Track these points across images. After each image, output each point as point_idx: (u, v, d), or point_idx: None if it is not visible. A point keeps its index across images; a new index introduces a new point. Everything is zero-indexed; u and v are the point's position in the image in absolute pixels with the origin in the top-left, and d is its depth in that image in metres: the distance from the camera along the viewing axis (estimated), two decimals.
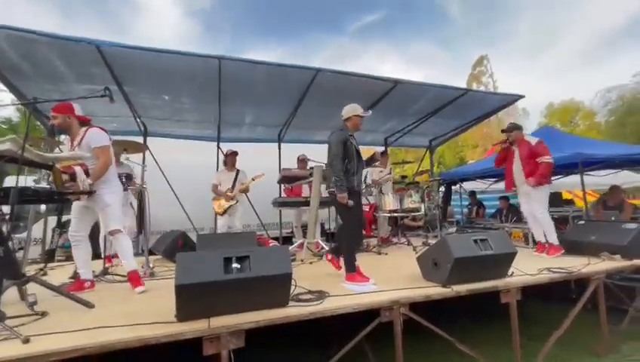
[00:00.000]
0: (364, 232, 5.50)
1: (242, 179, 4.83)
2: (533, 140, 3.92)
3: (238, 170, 4.89)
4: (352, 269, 2.67)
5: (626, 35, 36.00)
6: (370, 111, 3.05)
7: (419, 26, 56.79)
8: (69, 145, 2.65)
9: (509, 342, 2.47)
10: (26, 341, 1.54)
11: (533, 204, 3.83)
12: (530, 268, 2.89)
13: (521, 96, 5.88)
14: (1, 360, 1.40)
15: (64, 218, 4.90)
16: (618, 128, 19.61)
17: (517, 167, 3.95)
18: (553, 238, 3.74)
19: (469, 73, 25.22)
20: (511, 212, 6.88)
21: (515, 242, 4.17)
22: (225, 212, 4.68)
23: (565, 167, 5.75)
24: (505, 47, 44.10)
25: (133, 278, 2.62)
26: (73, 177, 2.36)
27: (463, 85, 20.64)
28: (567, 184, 7.90)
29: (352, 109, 2.99)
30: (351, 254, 2.73)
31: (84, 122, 2.70)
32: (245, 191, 4.83)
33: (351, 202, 2.74)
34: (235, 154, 4.95)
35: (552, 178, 8.16)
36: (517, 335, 2.42)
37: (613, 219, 4.96)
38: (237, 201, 4.72)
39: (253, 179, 4.78)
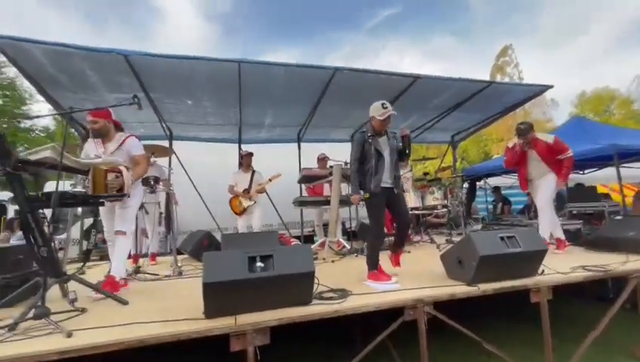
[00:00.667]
0: (385, 230, 5.46)
1: (258, 180, 4.90)
2: (549, 138, 3.76)
3: (254, 171, 4.97)
4: (373, 268, 2.67)
5: None
6: (390, 109, 2.78)
7: (437, 19, 55.24)
8: (98, 147, 2.74)
9: (539, 344, 2.37)
10: (69, 335, 1.65)
11: (543, 197, 3.70)
12: (562, 266, 2.76)
13: (550, 87, 5.61)
14: (47, 352, 1.51)
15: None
16: None
17: (532, 168, 3.82)
18: (559, 233, 3.70)
19: (492, 64, 24.31)
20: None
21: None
22: (243, 212, 4.78)
23: (599, 159, 5.46)
24: (530, 35, 41.99)
25: (110, 283, 2.54)
26: (119, 176, 2.49)
27: (486, 77, 19.95)
28: (602, 177, 7.49)
29: (371, 110, 2.84)
30: (374, 253, 2.73)
31: (118, 126, 2.86)
32: (262, 191, 4.90)
33: (357, 198, 2.78)
34: (250, 155, 5.03)
35: (585, 171, 7.78)
36: (549, 336, 2.33)
37: None
38: (254, 202, 4.80)
39: (270, 180, 4.84)
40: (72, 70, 3.99)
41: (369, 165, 2.78)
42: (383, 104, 2.78)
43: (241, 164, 5.10)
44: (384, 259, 2.83)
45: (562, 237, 3.66)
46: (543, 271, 2.60)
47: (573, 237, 4.21)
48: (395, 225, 3.14)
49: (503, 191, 8.44)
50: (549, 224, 3.66)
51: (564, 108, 24.61)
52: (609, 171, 6.19)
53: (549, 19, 39.95)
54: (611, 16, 37.04)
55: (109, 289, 2.49)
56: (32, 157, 2.04)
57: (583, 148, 5.36)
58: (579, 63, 38.81)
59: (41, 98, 4.69)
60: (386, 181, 2.76)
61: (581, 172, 7.72)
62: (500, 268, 2.39)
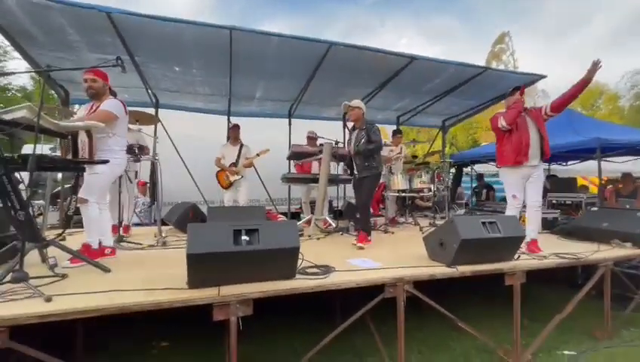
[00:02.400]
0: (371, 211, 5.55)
1: (246, 154, 4.83)
2: (533, 106, 3.36)
3: (242, 144, 4.89)
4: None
5: None
6: (345, 103, 3.62)
7: (438, 0, 53.79)
8: (87, 111, 2.64)
9: (509, 323, 2.51)
10: (49, 299, 1.63)
11: (538, 186, 3.19)
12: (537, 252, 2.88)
13: (543, 76, 5.61)
14: (26, 316, 1.50)
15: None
16: None
17: (534, 137, 3.14)
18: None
19: (488, 50, 24.14)
20: None
21: (524, 226, 4.15)
22: (229, 186, 4.73)
23: (582, 152, 5.60)
24: (529, 24, 41.61)
25: (85, 252, 2.49)
26: (75, 138, 2.35)
27: (482, 62, 19.81)
28: (583, 170, 7.72)
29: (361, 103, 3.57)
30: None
31: (112, 92, 2.73)
32: (249, 166, 4.85)
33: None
34: (236, 127, 4.93)
35: (569, 163, 8.00)
36: (518, 316, 2.46)
37: (627, 207, 4.86)
38: (241, 176, 4.75)
39: (258, 155, 4.77)
40: (50, 26, 3.72)
41: None
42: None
43: (229, 137, 4.99)
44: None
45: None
46: (519, 256, 2.71)
47: (550, 226, 4.38)
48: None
49: (487, 179, 8.64)
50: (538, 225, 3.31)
51: (553, 99, 24.86)
52: (591, 164, 6.38)
53: (550, 9, 39.54)
54: (607, 11, 36.95)
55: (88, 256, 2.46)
56: (7, 117, 1.92)
57: (568, 140, 5.48)
58: (572, 56, 38.90)
59: (16, 55, 4.40)
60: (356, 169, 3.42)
61: (564, 163, 7.94)
62: (480, 251, 2.47)
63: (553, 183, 6.54)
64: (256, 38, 4.14)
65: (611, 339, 2.76)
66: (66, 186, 4.65)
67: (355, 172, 3.59)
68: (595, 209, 4.12)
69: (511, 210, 3.26)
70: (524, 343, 2.48)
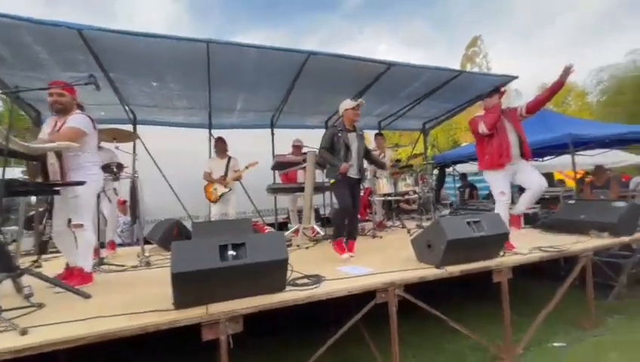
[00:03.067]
0: (359, 216, 5.56)
1: (234, 166, 4.79)
2: (513, 106, 3.44)
3: (229, 157, 4.84)
4: (337, 237, 3.14)
5: (622, 13, 35.65)
6: (361, 99, 3.31)
7: (414, 6, 55.60)
8: (53, 128, 2.50)
9: (500, 319, 2.55)
10: (24, 332, 1.54)
11: (533, 171, 3.30)
12: (521, 247, 2.96)
13: (515, 77, 5.84)
14: None
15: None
16: (609, 108, 19.72)
17: (513, 138, 3.24)
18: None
19: (462, 54, 24.98)
20: None
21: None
22: (218, 199, 4.66)
23: (556, 148, 5.82)
24: (499, 27, 43.54)
25: (78, 276, 2.45)
26: (44, 160, 2.26)
27: (458, 66, 20.47)
28: (558, 164, 8.02)
29: (343, 105, 3.32)
30: (339, 225, 3.19)
31: (81, 108, 2.63)
32: (238, 178, 4.81)
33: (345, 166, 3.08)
34: (220, 140, 4.89)
35: (545, 158, 8.30)
36: (508, 312, 2.50)
37: (602, 198, 5.07)
38: (230, 189, 4.69)
39: (246, 167, 4.74)
40: (17, 44, 3.58)
41: (338, 157, 3.16)
42: (352, 98, 3.30)
43: (216, 151, 4.94)
44: (358, 244, 2.87)
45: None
46: (505, 253, 2.77)
47: (531, 220, 4.51)
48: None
49: (469, 178, 8.84)
50: None
51: (527, 98, 25.74)
52: (565, 159, 6.63)
53: (519, 10, 41.46)
54: (574, 10, 39.08)
55: (78, 282, 2.37)
56: None
57: (542, 137, 5.69)
58: (543, 55, 40.76)
59: None
60: (352, 172, 3.16)
61: (540, 159, 8.23)
62: (467, 251, 2.51)
63: None
64: (234, 50, 4.13)
65: (597, 328, 2.83)
66: (40, 210, 4.44)
67: (354, 174, 3.23)
68: (572, 202, 4.28)
69: (500, 206, 3.33)
70: (515, 339, 2.52)
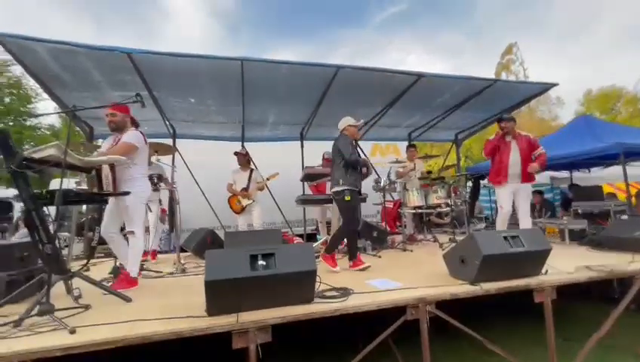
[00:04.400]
0: (388, 229, 5.45)
1: (256, 178, 4.93)
2: (530, 135, 3.99)
3: (252, 169, 5.00)
4: (354, 257, 3.17)
5: None
6: (363, 120, 3.50)
7: (444, 16, 54.89)
8: (110, 145, 2.78)
9: (542, 343, 2.36)
10: (73, 331, 1.67)
11: (527, 201, 3.90)
12: (566, 265, 2.74)
13: (555, 84, 5.54)
14: (51, 348, 1.53)
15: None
16: None
17: (514, 160, 3.85)
18: None
19: (497, 62, 24.12)
20: (545, 206, 6.55)
21: (549, 238, 3.97)
22: (242, 211, 4.80)
23: (605, 158, 5.39)
24: (536, 33, 41.51)
25: (121, 279, 2.65)
26: (99, 172, 2.49)
27: (491, 75, 19.79)
28: (607, 176, 7.42)
29: (345, 121, 3.40)
30: (353, 243, 3.23)
31: (135, 123, 2.89)
32: (261, 189, 4.93)
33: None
34: (241, 154, 5.06)
35: (593, 169, 7.72)
36: (552, 335, 2.31)
37: None
38: (253, 201, 4.81)
39: (268, 179, 4.87)
40: (76, 68, 4.01)
41: (350, 168, 3.21)
42: (353, 117, 3.42)
43: (239, 163, 5.13)
44: (389, 256, 2.81)
45: None
46: (547, 270, 2.58)
47: (578, 237, 4.18)
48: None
49: None
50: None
51: (570, 106, 24.35)
52: (615, 170, 6.12)
53: (557, 15, 39.49)
54: (619, 13, 36.50)
55: (124, 285, 2.57)
56: (36, 155, 2.04)
57: (588, 147, 5.31)
58: (586, 61, 38.36)
59: (46, 96, 4.72)
60: (358, 186, 3.25)
61: (587, 170, 7.65)
62: (503, 267, 2.37)
63: (576, 192, 6.29)
64: (267, 66, 4.31)
65: None
66: (89, 218, 4.83)
67: (360, 187, 3.36)
68: (626, 217, 3.92)
69: (499, 217, 3.98)
70: None
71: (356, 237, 3.29)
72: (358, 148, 3.49)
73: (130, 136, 2.74)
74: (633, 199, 5.62)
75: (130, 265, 2.72)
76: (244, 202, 4.78)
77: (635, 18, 33.99)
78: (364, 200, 5.33)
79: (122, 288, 2.51)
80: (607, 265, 2.71)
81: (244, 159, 5.03)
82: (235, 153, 5.09)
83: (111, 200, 2.73)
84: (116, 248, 2.82)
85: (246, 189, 4.82)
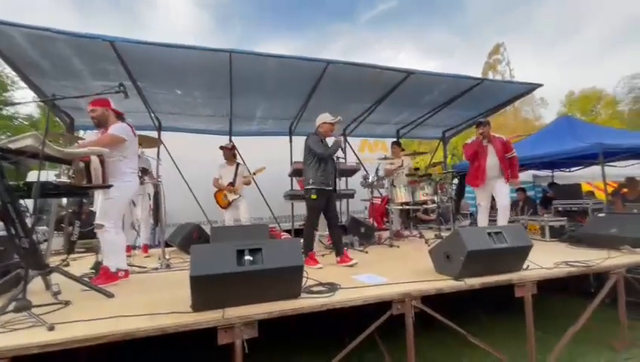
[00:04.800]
0: (375, 225, 5.50)
1: (243, 173, 4.88)
2: (503, 137, 4.27)
3: (238, 164, 4.94)
4: (308, 252, 3.16)
5: None
6: (340, 117, 3.44)
7: (434, 14, 55.13)
8: (95, 138, 2.68)
9: (522, 336, 2.43)
10: (51, 328, 1.61)
11: (506, 197, 4.17)
12: (546, 261, 2.83)
13: (539, 85, 5.68)
14: (28, 346, 1.48)
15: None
16: None
17: (491, 163, 4.11)
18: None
19: (484, 61, 24.53)
20: (527, 204, 6.73)
21: (531, 235, 4.09)
22: (228, 205, 4.75)
23: (585, 158, 5.57)
24: (523, 34, 42.41)
25: (103, 275, 2.55)
26: (88, 165, 2.39)
27: (479, 74, 20.10)
28: (587, 175, 7.67)
29: (321, 118, 3.42)
30: (309, 241, 3.23)
31: (119, 115, 2.77)
32: (247, 184, 4.89)
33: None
34: (226, 148, 4.98)
35: (573, 169, 7.96)
36: (532, 328, 2.39)
37: (635, 211, 4.78)
38: (239, 195, 4.77)
39: (254, 173, 4.82)
40: (56, 56, 3.85)
41: (322, 166, 3.23)
42: (330, 114, 3.42)
43: (225, 158, 5.06)
44: (375, 252, 2.84)
45: None
46: (528, 266, 2.65)
47: (558, 234, 4.32)
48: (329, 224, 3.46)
49: None
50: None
51: (553, 107, 24.95)
52: (594, 169, 6.33)
53: (544, 17, 40.39)
54: (602, 17, 37.66)
55: (102, 281, 2.48)
56: (13, 146, 1.96)
57: (569, 147, 5.47)
58: (569, 63, 39.43)
59: (23, 85, 4.53)
60: (330, 183, 3.27)
61: (567, 170, 7.89)
62: (487, 263, 2.43)
63: (556, 190, 6.49)
64: (255, 59, 4.25)
65: (630, 350, 2.65)
66: (69, 211, 4.68)
67: (330, 186, 3.32)
68: (603, 215, 4.07)
69: (481, 213, 4.36)
70: (540, 357, 2.40)
71: (313, 233, 3.36)
72: (347, 145, 3.50)
73: (117, 128, 2.64)
74: (612, 198, 5.84)
75: (105, 259, 2.63)
76: (231, 197, 4.72)
77: (613, 26, 35.16)
78: (351, 195, 5.36)
79: (101, 283, 2.43)
80: (585, 261, 2.81)
81: (229, 153, 4.95)
82: (221, 147, 5.00)
83: (99, 193, 2.63)
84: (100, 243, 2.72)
85: (232, 184, 4.75)
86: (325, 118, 3.40)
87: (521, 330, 2.47)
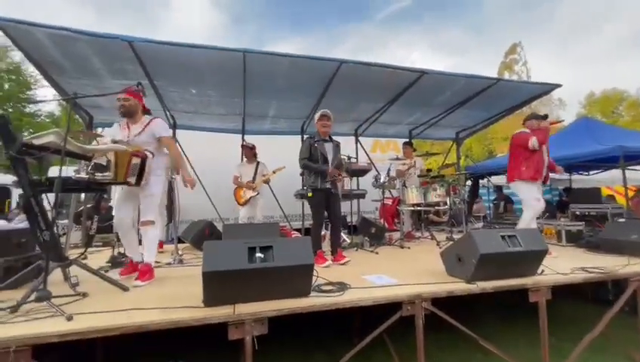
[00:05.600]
0: (386, 225, 5.47)
1: (263, 171, 4.95)
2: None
3: (258, 162, 5.00)
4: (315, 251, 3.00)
5: None
6: (326, 110, 3.43)
7: (448, 13, 54.42)
8: (122, 130, 2.70)
9: (536, 342, 2.38)
10: (70, 318, 1.67)
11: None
12: (562, 266, 2.76)
13: (558, 85, 5.52)
14: (48, 334, 1.54)
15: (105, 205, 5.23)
16: None
17: (547, 161, 3.78)
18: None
19: (500, 61, 24.02)
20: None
21: (546, 239, 3.99)
22: (246, 203, 4.82)
23: (604, 161, 5.41)
24: (540, 33, 41.36)
25: (145, 271, 2.57)
26: (144, 161, 2.50)
27: (494, 74, 19.70)
28: (606, 179, 7.44)
29: (316, 116, 3.42)
30: (315, 239, 3.11)
31: (147, 111, 2.85)
32: (266, 182, 4.95)
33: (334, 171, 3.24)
34: (246, 147, 5.06)
35: (592, 172, 7.74)
36: (545, 335, 2.33)
37: None
38: (257, 193, 4.83)
39: (274, 172, 4.90)
40: (77, 55, 3.97)
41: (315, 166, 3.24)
42: (321, 110, 3.42)
43: (245, 156, 5.13)
44: (386, 253, 2.82)
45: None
46: (543, 270, 2.59)
47: (575, 239, 4.20)
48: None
49: (505, 191, 8.41)
50: None
51: (571, 108, 24.25)
52: (615, 173, 6.13)
53: (562, 16, 39.25)
54: (623, 16, 36.30)
55: (149, 277, 2.55)
56: (36, 142, 2.03)
57: (588, 149, 5.31)
58: (589, 63, 38.23)
59: (46, 83, 4.70)
60: (326, 183, 3.25)
61: (586, 173, 7.67)
62: (500, 266, 2.38)
63: (574, 194, 6.31)
64: (269, 59, 4.28)
65: None
66: (88, 206, 4.82)
67: (329, 186, 3.30)
68: (623, 220, 3.93)
69: (536, 211, 3.70)
70: None
71: (319, 231, 3.38)
72: (331, 144, 3.44)
73: (163, 126, 2.78)
74: (630, 202, 5.64)
75: (149, 255, 2.66)
76: (249, 194, 4.80)
77: (636, 25, 33.83)
78: (362, 195, 5.33)
79: (148, 279, 2.51)
80: (603, 267, 2.73)
81: (250, 152, 5.04)
82: (243, 146, 5.10)
83: (127, 189, 2.65)
84: (125, 239, 2.77)
85: (252, 182, 4.84)
86: (316, 116, 3.45)
87: (534, 336, 2.41)
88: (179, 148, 2.80)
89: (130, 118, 2.73)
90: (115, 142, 2.45)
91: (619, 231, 3.55)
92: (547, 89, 5.74)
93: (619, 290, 2.77)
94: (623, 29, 37.31)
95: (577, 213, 5.39)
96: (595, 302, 3.28)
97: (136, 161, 2.46)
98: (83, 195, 5.02)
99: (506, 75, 22.17)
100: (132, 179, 2.46)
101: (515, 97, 5.94)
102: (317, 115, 3.43)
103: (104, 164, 2.29)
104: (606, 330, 2.50)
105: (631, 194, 6.09)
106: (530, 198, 3.67)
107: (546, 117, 3.82)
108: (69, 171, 2.62)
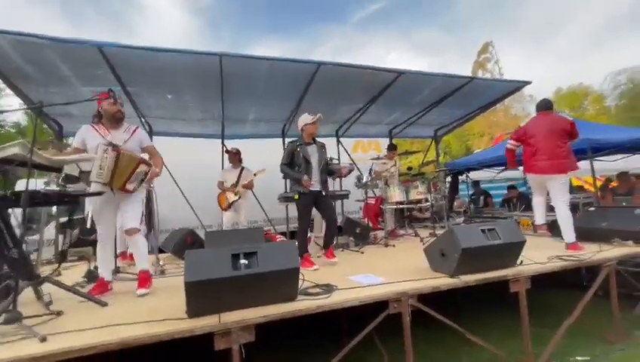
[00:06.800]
0: (370, 225, 5.51)
1: (246, 176, 4.89)
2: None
3: (242, 167, 4.94)
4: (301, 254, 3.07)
5: (638, 16, 34.78)
6: (320, 114, 3.35)
7: (423, 13, 55.81)
8: (102, 132, 2.55)
9: (518, 331, 2.46)
10: (43, 339, 1.58)
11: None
12: (539, 256, 2.87)
13: (528, 82, 5.76)
14: (19, 359, 1.44)
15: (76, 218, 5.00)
16: (629, 112, 19.16)
17: None
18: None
19: (474, 60, 24.81)
20: (520, 200, 6.81)
21: (524, 230, 4.13)
22: (229, 207, 4.75)
23: (574, 153, 5.65)
24: (511, 31, 43.16)
25: (145, 278, 2.53)
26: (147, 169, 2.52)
27: (469, 73, 20.33)
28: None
29: (302, 120, 3.40)
30: (301, 242, 3.15)
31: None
32: (249, 186, 4.88)
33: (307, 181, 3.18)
34: (231, 152, 5.01)
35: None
36: (526, 323, 2.42)
37: (624, 204, 4.88)
38: (239, 197, 4.76)
39: (255, 175, 4.84)
40: (43, 62, 3.78)
41: (298, 170, 3.26)
42: (309, 113, 3.40)
43: (230, 162, 5.06)
44: (371, 252, 2.84)
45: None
46: (522, 261, 2.68)
47: (550, 228, 4.37)
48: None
49: (483, 185, 8.66)
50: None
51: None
52: (583, 165, 6.44)
53: (529, 16, 41.06)
54: (588, 13, 38.40)
55: (149, 285, 2.51)
56: None
57: None
58: (555, 60, 40.11)
59: (10, 92, 4.44)
60: (314, 186, 3.24)
61: None
62: (482, 259, 2.45)
63: None
64: (246, 62, 4.23)
65: (623, 341, 2.70)
66: (61, 220, 4.60)
67: (318, 188, 3.30)
68: (593, 209, 4.13)
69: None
70: (536, 352, 2.42)
71: (305, 234, 3.38)
72: (315, 146, 3.42)
73: (147, 136, 2.82)
74: (599, 192, 5.93)
75: (144, 264, 2.58)
76: (231, 198, 4.73)
77: (601, 20, 35.84)
78: (346, 196, 5.36)
79: (148, 287, 2.49)
80: (577, 255, 2.86)
81: (235, 158, 4.99)
82: (226, 151, 5.05)
83: (105, 198, 2.50)
84: (104, 253, 2.62)
85: (235, 185, 4.76)
86: (305, 119, 3.38)
87: (517, 326, 2.49)
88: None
89: (118, 123, 2.67)
90: (110, 144, 2.38)
91: (590, 220, 3.73)
92: (518, 86, 5.98)
93: (592, 276, 2.90)
94: (587, 26, 39.49)
95: (551, 203, 5.62)
96: (571, 287, 3.42)
97: (142, 168, 2.45)
98: (54, 208, 4.79)
99: (480, 74, 22.90)
100: (131, 186, 2.43)
101: (489, 95, 6.15)
102: (309, 119, 3.36)
103: (76, 175, 2.20)
104: (582, 315, 2.62)
105: (599, 184, 6.41)
106: (566, 193, 3.47)
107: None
108: (37, 184, 2.49)
